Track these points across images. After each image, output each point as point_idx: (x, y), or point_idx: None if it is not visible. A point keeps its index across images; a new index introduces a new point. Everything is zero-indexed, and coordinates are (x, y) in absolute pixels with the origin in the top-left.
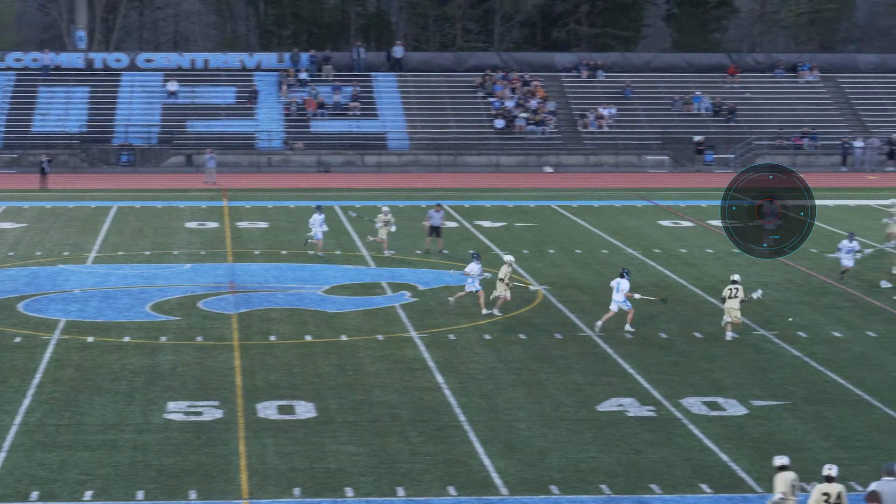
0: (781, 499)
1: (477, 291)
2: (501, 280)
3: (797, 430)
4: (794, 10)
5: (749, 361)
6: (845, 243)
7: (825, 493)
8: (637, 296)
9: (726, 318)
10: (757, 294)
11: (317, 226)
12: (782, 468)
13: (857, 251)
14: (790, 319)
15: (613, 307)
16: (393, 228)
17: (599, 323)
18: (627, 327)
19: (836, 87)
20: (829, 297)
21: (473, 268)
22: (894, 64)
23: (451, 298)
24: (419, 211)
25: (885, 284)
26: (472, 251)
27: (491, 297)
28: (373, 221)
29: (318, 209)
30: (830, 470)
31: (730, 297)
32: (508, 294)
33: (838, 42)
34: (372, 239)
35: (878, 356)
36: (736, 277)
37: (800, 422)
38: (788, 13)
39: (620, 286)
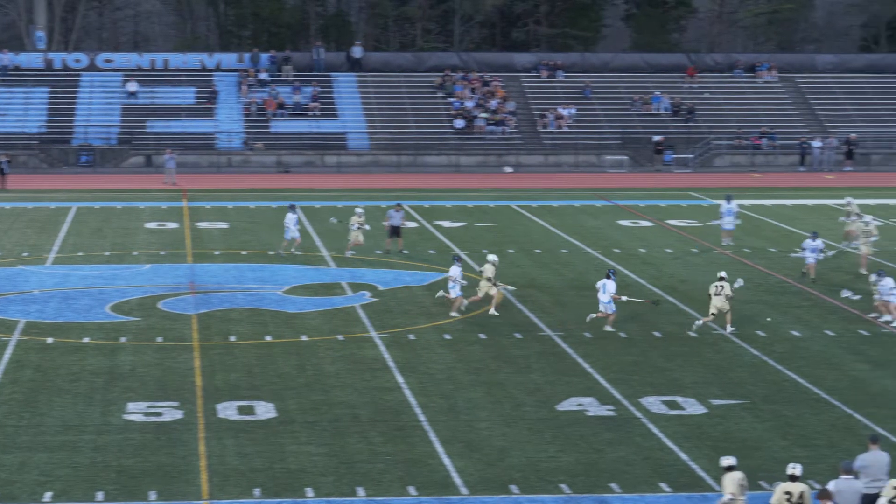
0: (731, 499)
1: (457, 297)
2: (489, 280)
3: (756, 429)
4: (752, 10)
5: (708, 360)
6: (809, 242)
7: (787, 493)
8: (624, 298)
9: (709, 316)
10: (738, 283)
11: (292, 225)
12: (730, 468)
13: (821, 250)
14: (768, 320)
15: (601, 308)
16: (367, 227)
17: (592, 315)
18: (607, 328)
19: (795, 87)
20: (788, 296)
21: (455, 271)
22: (852, 64)
23: (464, 303)
24: (379, 211)
25: (845, 293)
26: (453, 255)
27: (480, 297)
28: (347, 224)
29: (292, 208)
30: (795, 469)
31: (715, 294)
32: (495, 291)
33: (797, 42)
34: (352, 243)
35: (836, 355)
36: (722, 274)
37: (758, 420)
38: (747, 13)
39: (606, 287)
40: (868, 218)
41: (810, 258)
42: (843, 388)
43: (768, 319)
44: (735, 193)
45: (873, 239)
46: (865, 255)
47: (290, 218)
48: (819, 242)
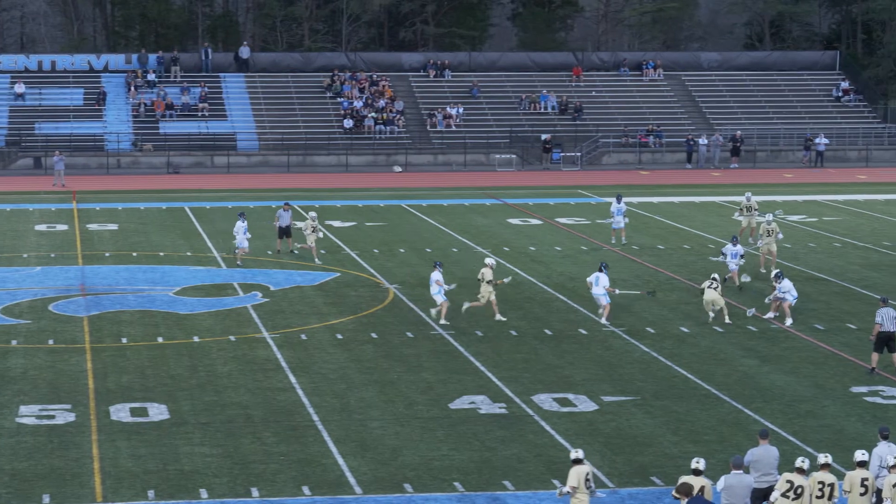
0: (570, 492)
1: (442, 302)
2: (490, 282)
3: (647, 425)
4: (637, 9)
5: (598, 357)
6: (729, 247)
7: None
8: (617, 291)
9: (710, 314)
10: (746, 279)
11: (241, 234)
12: (577, 461)
13: (741, 255)
14: (711, 317)
15: (602, 301)
16: (321, 234)
17: (604, 320)
18: (604, 321)
19: (681, 84)
20: (677, 292)
21: (437, 276)
22: (736, 62)
23: (465, 306)
24: (269, 211)
25: (751, 313)
26: (435, 261)
27: (483, 302)
28: (298, 227)
29: (242, 216)
30: (698, 463)
31: (708, 288)
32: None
33: (682, 40)
34: (300, 247)
35: (725, 351)
36: (714, 276)
37: (649, 416)
38: (632, 12)
39: (600, 280)
40: (769, 216)
41: (732, 265)
42: (733, 384)
43: (711, 317)
44: (623, 191)
45: (780, 237)
46: (765, 254)
47: (239, 227)
48: (739, 248)
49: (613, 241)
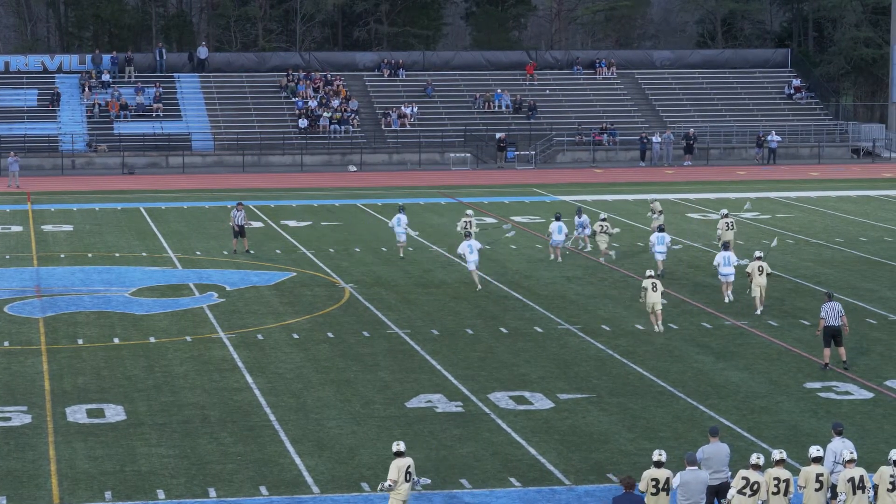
0: (391, 486)
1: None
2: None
3: (603, 422)
4: (590, 7)
5: (554, 355)
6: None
7: (654, 479)
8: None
9: (754, 295)
10: (773, 243)
11: (398, 226)
12: (398, 454)
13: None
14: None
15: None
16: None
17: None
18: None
19: (634, 82)
20: (631, 290)
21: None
22: (689, 60)
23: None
24: (224, 211)
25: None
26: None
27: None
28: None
29: (402, 209)
30: (661, 455)
31: (759, 275)
32: None
33: (634, 39)
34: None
35: (680, 347)
36: (759, 254)
37: (605, 414)
38: (585, 11)
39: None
40: (603, 215)
41: (658, 254)
42: (688, 381)
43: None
44: (577, 189)
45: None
46: (603, 251)
47: (399, 219)
48: (666, 235)
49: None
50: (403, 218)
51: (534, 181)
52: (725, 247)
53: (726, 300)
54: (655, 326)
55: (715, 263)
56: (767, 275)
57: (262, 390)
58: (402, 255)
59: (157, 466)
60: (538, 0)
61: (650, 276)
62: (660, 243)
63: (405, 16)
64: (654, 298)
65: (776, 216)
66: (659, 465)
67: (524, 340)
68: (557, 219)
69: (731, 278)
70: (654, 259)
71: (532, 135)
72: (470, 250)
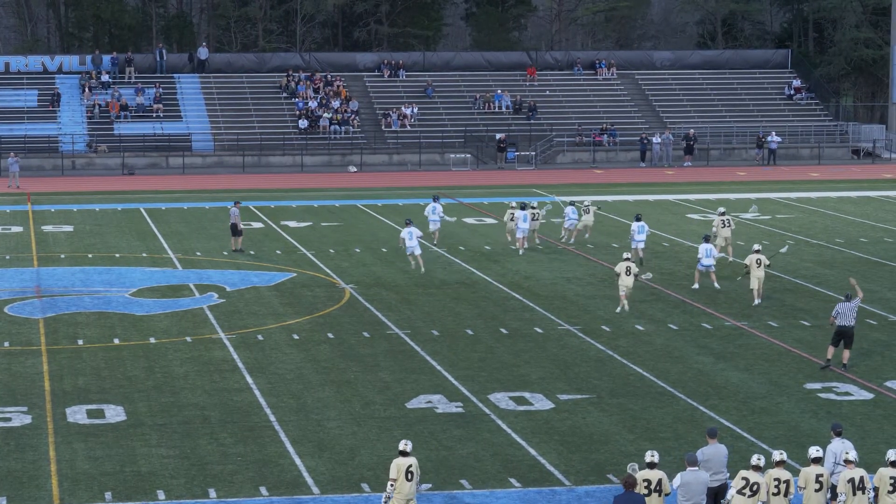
0: (389, 495)
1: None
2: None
3: (603, 423)
4: (590, 8)
5: (554, 356)
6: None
7: (646, 480)
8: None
9: (752, 287)
10: (784, 249)
11: (432, 214)
12: (403, 454)
13: (647, 233)
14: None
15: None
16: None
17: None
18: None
19: (634, 83)
20: (631, 290)
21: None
22: (689, 60)
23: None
24: (224, 212)
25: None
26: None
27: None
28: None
29: (436, 199)
30: (653, 457)
31: (757, 268)
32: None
33: (635, 39)
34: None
35: (680, 348)
36: (757, 247)
37: (605, 414)
38: (585, 11)
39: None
40: (587, 203)
41: (637, 243)
42: (688, 381)
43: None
44: (577, 190)
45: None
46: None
47: (434, 207)
48: (645, 224)
49: (564, 237)
50: (439, 207)
51: (534, 182)
52: (706, 239)
53: (695, 286)
54: (620, 306)
55: (698, 256)
56: (766, 266)
57: (263, 391)
58: (435, 241)
59: (157, 467)
60: (538, 1)
61: (626, 259)
62: (639, 233)
63: (405, 16)
64: (627, 282)
65: (776, 217)
66: (651, 466)
67: (524, 341)
68: (521, 206)
69: (713, 269)
70: (633, 247)
71: (532, 135)
72: (409, 237)
